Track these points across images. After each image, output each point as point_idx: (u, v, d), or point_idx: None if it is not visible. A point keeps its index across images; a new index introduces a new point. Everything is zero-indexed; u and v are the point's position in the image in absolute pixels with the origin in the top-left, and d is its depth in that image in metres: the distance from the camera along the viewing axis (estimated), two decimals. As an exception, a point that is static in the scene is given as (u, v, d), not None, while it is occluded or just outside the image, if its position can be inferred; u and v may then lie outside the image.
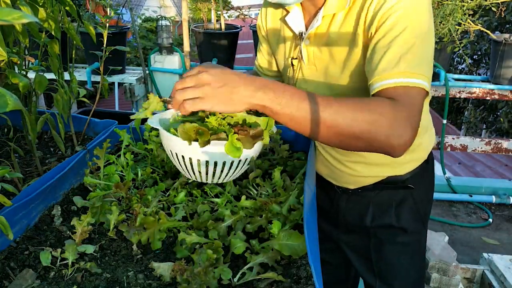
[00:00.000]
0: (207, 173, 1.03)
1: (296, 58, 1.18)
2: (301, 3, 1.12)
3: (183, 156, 1.01)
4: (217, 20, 3.47)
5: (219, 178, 1.06)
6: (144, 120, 1.52)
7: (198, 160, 1.00)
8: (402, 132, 0.84)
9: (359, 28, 1.01)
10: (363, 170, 1.24)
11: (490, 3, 2.81)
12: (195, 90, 0.84)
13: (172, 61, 3.39)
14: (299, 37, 1.16)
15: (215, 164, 1.00)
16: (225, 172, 1.04)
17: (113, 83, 3.52)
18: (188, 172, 1.05)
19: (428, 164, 1.29)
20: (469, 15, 2.84)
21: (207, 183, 1.11)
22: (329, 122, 0.82)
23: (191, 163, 1.01)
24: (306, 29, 1.14)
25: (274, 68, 1.36)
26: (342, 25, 1.05)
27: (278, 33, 1.26)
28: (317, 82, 1.16)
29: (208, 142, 0.92)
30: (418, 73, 0.88)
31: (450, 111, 7.13)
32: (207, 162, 1.00)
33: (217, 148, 0.95)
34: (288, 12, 1.17)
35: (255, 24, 3.44)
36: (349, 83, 1.08)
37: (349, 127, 0.83)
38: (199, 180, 1.06)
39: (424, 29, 0.92)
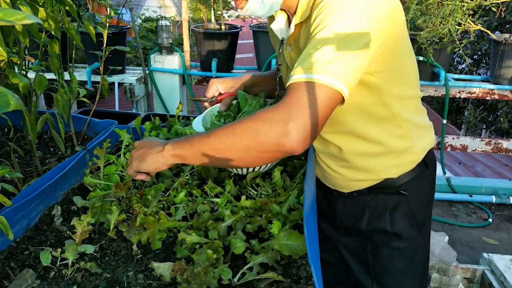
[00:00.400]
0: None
1: (280, 64, 1.21)
2: (284, 10, 1.13)
3: None
4: (217, 20, 3.47)
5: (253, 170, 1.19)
6: (144, 120, 1.52)
7: None
8: (280, 128, 0.83)
9: (311, 30, 1.01)
10: (348, 174, 1.23)
11: (490, 3, 2.81)
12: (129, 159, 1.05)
13: (172, 61, 3.39)
14: (281, 43, 1.18)
15: None
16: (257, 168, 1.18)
17: (113, 83, 3.52)
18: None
19: (427, 168, 1.25)
20: (469, 15, 2.84)
21: (224, 175, 1.27)
22: (218, 146, 0.90)
23: None
24: None
25: None
26: (304, 31, 1.06)
27: (273, 39, 1.30)
28: None
29: None
30: (327, 71, 0.84)
31: (450, 111, 7.12)
32: None
33: None
34: (274, 19, 1.19)
35: (255, 24, 3.44)
36: None
37: (236, 144, 0.88)
38: (235, 172, 1.22)
39: (352, 27, 0.88)
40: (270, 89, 1.38)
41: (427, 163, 1.24)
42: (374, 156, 1.17)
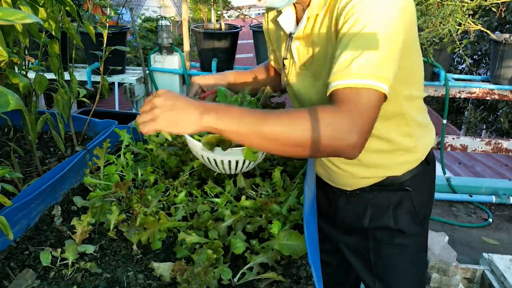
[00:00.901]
0: (230, 167, 1.13)
1: (286, 58, 1.20)
2: (293, 4, 1.13)
3: (208, 158, 1.11)
4: (217, 20, 3.47)
5: (235, 170, 1.15)
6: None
7: (222, 161, 1.09)
8: (345, 136, 0.86)
9: (332, 27, 1.01)
10: (357, 172, 1.23)
11: (490, 3, 2.81)
12: (147, 113, 0.91)
13: (172, 61, 3.39)
14: (289, 37, 1.17)
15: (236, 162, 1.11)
16: (240, 167, 1.14)
17: (113, 83, 3.51)
18: (213, 166, 1.15)
19: (429, 166, 1.27)
20: (469, 15, 2.84)
21: (224, 175, 1.25)
22: (270, 135, 0.87)
23: (215, 162, 1.12)
24: None
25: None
26: (321, 25, 1.06)
27: (275, 33, 1.28)
28: (306, 82, 1.17)
29: (228, 147, 1.06)
30: (371, 74, 0.87)
31: (450, 111, 7.12)
32: (229, 162, 1.10)
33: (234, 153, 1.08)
34: (281, 12, 1.18)
35: (255, 24, 3.44)
36: None
37: (288, 137, 0.87)
38: (222, 172, 1.16)
39: (386, 29, 0.90)
40: (255, 85, 1.37)
41: (429, 161, 1.27)
42: (384, 153, 1.18)
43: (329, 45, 1.04)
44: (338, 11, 0.97)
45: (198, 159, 1.22)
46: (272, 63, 1.42)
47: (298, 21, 1.16)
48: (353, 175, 1.24)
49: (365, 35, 0.89)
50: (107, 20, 1.45)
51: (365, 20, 0.90)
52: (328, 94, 0.92)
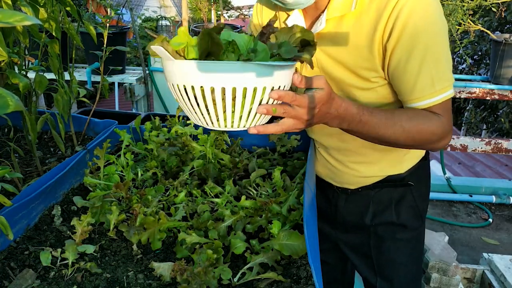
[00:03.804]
0: (224, 112, 0.81)
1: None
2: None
3: (192, 87, 0.79)
4: (217, 20, 3.47)
5: (240, 119, 0.83)
6: (144, 120, 1.52)
7: (212, 88, 0.78)
8: (446, 137, 1.07)
9: (375, 35, 1.01)
10: (365, 170, 1.25)
11: (490, 3, 2.81)
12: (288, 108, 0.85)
13: (172, 61, 3.38)
14: None
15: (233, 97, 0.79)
16: (247, 109, 0.81)
17: (113, 83, 3.51)
18: (199, 115, 0.84)
19: (426, 160, 1.31)
20: (470, 15, 2.84)
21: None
22: (392, 140, 1.03)
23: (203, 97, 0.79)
24: None
25: None
26: (352, 28, 1.04)
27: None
28: None
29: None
30: (448, 85, 1.03)
31: (450, 111, 7.11)
32: (223, 89, 0.77)
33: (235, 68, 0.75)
34: (288, 15, 1.15)
35: (255, 24, 3.43)
36: (355, 83, 1.09)
37: (408, 142, 1.05)
38: (215, 125, 0.85)
39: (441, 36, 1.01)
40: None
41: (426, 157, 1.31)
42: (391, 150, 1.19)
43: (363, 50, 1.04)
44: (387, 21, 0.99)
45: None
46: None
47: (307, 22, 1.13)
48: (359, 172, 1.25)
49: (431, 52, 1.00)
50: (108, 20, 1.45)
51: (424, 37, 0.99)
52: (416, 107, 1.05)
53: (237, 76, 0.76)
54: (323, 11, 1.07)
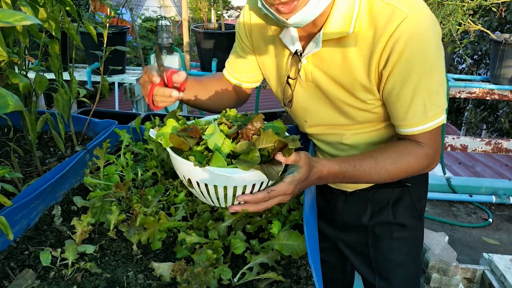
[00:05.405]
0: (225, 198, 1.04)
1: (294, 78, 1.15)
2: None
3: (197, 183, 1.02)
4: (217, 20, 3.47)
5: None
6: (144, 120, 1.52)
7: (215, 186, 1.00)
8: (432, 164, 1.11)
9: (372, 61, 1.01)
10: None
11: (490, 3, 2.81)
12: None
13: (172, 61, 3.39)
14: (293, 56, 1.12)
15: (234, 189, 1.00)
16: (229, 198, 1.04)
17: (113, 83, 3.52)
18: (205, 197, 1.06)
19: None
20: (470, 15, 2.84)
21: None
22: (381, 182, 1.09)
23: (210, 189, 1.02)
24: (303, 48, 1.11)
25: (248, 72, 1.31)
26: (349, 51, 1.03)
27: (267, 47, 1.21)
28: (317, 98, 1.16)
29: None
30: (440, 111, 1.05)
31: (450, 111, 7.11)
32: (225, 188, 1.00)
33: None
34: (281, 29, 1.12)
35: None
36: (351, 103, 1.11)
37: (395, 179, 1.10)
38: (216, 204, 1.07)
39: (436, 64, 1.01)
40: (211, 99, 1.31)
41: None
42: None
43: (360, 73, 1.05)
44: (384, 48, 0.99)
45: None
46: (230, 71, 1.32)
47: (301, 37, 1.10)
48: None
49: (424, 80, 1.01)
50: (108, 20, 1.45)
51: (419, 65, 1.00)
52: (403, 135, 1.09)
53: (208, 176, 0.99)
54: (320, 29, 1.05)
